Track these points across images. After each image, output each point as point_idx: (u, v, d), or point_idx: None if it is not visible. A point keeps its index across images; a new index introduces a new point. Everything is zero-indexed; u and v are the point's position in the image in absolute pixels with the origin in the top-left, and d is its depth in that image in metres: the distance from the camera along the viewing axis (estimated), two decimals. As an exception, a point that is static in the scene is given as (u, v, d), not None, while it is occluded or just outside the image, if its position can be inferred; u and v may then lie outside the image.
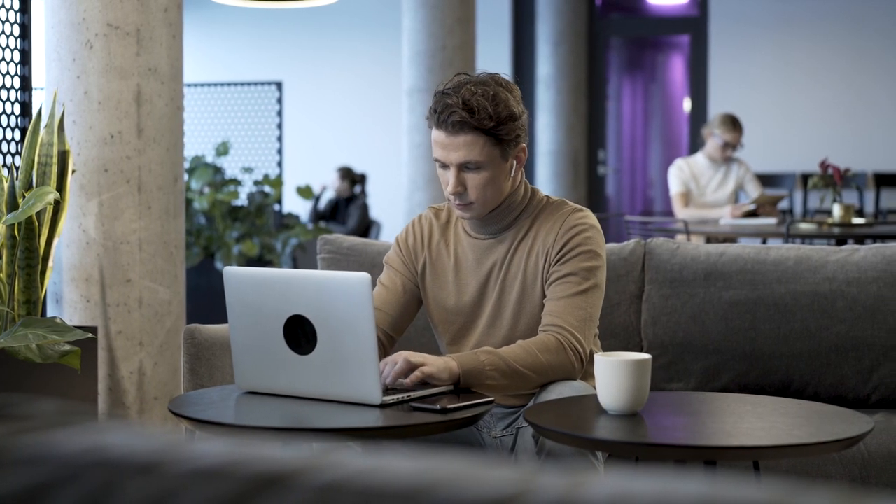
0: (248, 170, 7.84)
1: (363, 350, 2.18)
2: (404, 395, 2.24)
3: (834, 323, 3.05)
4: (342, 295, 2.19)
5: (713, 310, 3.13)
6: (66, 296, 3.74)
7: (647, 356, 2.11)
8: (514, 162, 2.50)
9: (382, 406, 2.19)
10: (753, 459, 2.20)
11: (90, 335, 3.17)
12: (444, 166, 2.47)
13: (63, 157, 3.46)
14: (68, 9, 3.68)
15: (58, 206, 3.45)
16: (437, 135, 2.45)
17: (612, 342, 3.20)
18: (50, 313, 3.78)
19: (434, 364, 2.31)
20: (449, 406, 2.18)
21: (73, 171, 3.56)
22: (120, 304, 3.70)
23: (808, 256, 3.14)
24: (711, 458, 1.97)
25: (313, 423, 2.17)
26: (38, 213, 3.38)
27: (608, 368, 2.08)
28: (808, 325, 3.06)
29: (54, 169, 3.41)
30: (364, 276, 2.16)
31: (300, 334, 2.25)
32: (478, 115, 2.39)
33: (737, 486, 0.61)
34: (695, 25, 10.23)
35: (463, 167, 2.44)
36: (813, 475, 2.65)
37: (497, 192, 2.48)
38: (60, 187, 3.44)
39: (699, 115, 10.04)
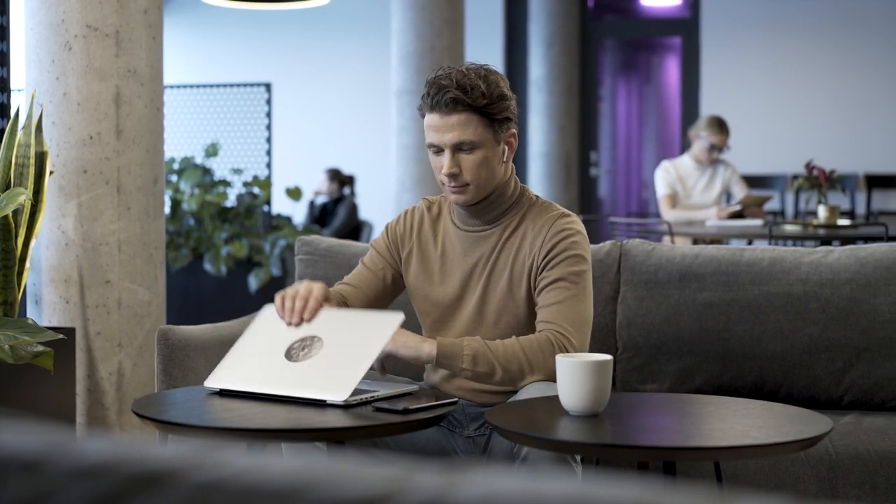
0: (238, 171, 7.84)
1: (356, 365, 2.24)
2: (368, 396, 2.25)
3: (807, 324, 3.05)
4: (369, 325, 2.30)
5: (687, 311, 3.13)
6: (46, 297, 3.75)
7: (607, 357, 2.12)
8: (506, 147, 2.56)
9: (345, 406, 2.20)
10: (710, 460, 2.21)
11: (61, 336, 3.17)
12: (439, 151, 2.51)
13: (40, 158, 3.47)
14: (47, 10, 3.69)
15: (35, 207, 3.45)
16: (431, 118, 2.50)
17: (586, 343, 3.21)
18: (30, 314, 3.78)
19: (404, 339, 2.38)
20: (411, 407, 2.18)
21: (51, 173, 3.56)
22: (99, 305, 3.71)
23: (781, 258, 3.14)
24: (669, 459, 1.98)
25: (275, 424, 2.18)
26: (15, 214, 3.39)
27: (568, 369, 2.09)
28: (781, 326, 3.06)
29: (31, 170, 3.41)
30: (397, 316, 2.31)
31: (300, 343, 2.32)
32: (471, 93, 2.45)
33: (606, 486, 0.62)
34: (686, 27, 10.24)
35: (457, 148, 2.48)
36: (781, 476, 2.65)
37: (491, 175, 2.52)
38: (38, 188, 3.45)
39: (691, 116, 10.04)
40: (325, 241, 3.55)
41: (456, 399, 2.30)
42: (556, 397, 2.15)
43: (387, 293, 2.69)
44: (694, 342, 3.12)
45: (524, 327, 2.53)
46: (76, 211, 3.68)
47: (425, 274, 2.64)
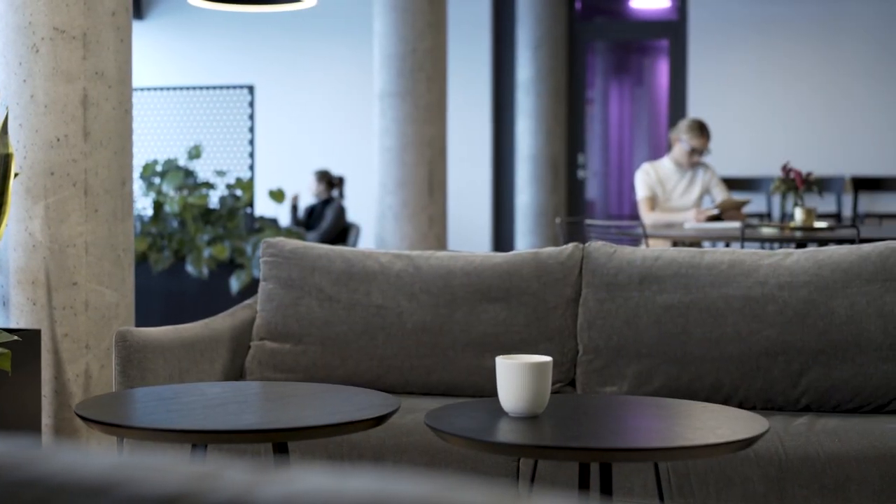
0: (222, 173, 7.85)
1: None
2: None
3: (764, 327, 3.06)
4: None
5: (647, 314, 3.14)
6: (13, 298, 3.75)
7: (547, 359, 2.13)
8: None
9: None
10: (645, 461, 2.22)
11: (16, 338, 3.18)
12: None
13: (5, 160, 3.47)
14: (15, 12, 3.70)
15: (0, 209, 3.46)
16: None
17: (547, 346, 3.22)
18: (-3, 316, 3.79)
19: None
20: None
21: (16, 175, 3.57)
22: (66, 306, 3.72)
23: (741, 260, 3.15)
24: (605, 460, 1.98)
25: (215, 425, 2.18)
26: (-22, 216, 3.39)
27: (508, 371, 2.10)
28: (739, 329, 3.07)
29: (-5, 172, 3.42)
30: None
31: None
32: None
33: (406, 484, 0.63)
34: (674, 29, 10.26)
35: None
36: (729, 475, 2.66)
37: None
38: (2, 190, 3.45)
39: (678, 118, 10.05)
40: (290, 242, 3.57)
41: (397, 407, 2.29)
42: (493, 399, 2.16)
43: None
44: (653, 344, 3.13)
45: None
46: (43, 213, 3.69)
47: None
